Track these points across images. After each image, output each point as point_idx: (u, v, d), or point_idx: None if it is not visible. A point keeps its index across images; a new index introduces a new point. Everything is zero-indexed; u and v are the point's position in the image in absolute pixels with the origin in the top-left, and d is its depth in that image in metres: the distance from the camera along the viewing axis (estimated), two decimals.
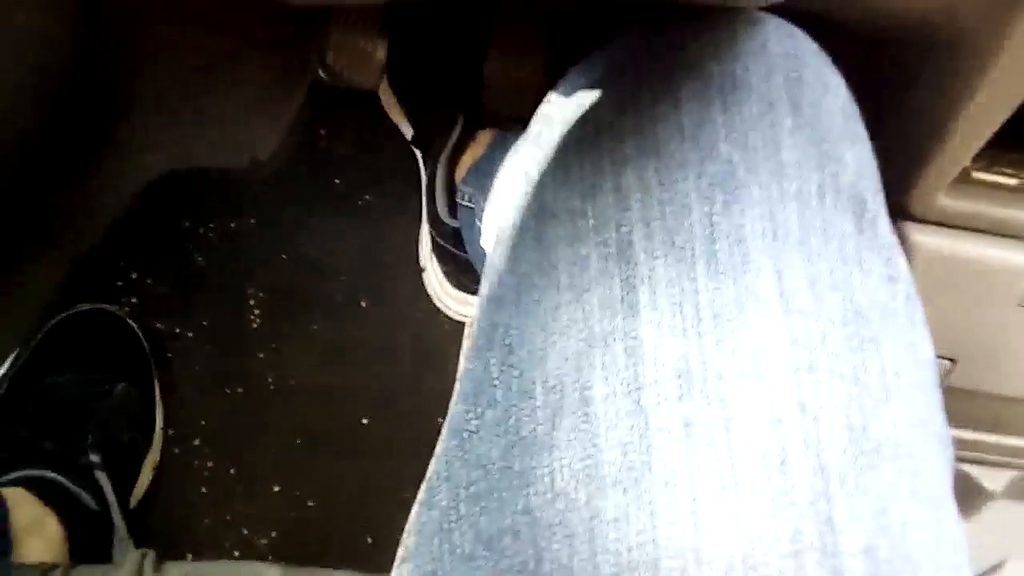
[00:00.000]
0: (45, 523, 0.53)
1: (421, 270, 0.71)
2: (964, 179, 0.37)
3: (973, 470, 0.48)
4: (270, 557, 0.65)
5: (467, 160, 0.63)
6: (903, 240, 0.39)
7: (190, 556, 0.64)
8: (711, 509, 0.21)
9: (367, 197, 0.73)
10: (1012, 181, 0.38)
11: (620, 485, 0.22)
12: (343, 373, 0.69)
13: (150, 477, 0.65)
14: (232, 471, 0.67)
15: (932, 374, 0.26)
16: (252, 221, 0.71)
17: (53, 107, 0.58)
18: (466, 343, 0.29)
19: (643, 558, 0.21)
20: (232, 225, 0.71)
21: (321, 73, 0.61)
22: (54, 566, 0.44)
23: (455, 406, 0.27)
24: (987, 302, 0.40)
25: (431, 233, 0.67)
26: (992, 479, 0.48)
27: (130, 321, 0.65)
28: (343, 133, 0.73)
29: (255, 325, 0.70)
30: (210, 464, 0.67)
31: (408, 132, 0.69)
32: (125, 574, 0.42)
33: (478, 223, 0.57)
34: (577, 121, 0.28)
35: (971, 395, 0.43)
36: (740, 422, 0.22)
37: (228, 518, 0.66)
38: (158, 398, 0.66)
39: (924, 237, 0.39)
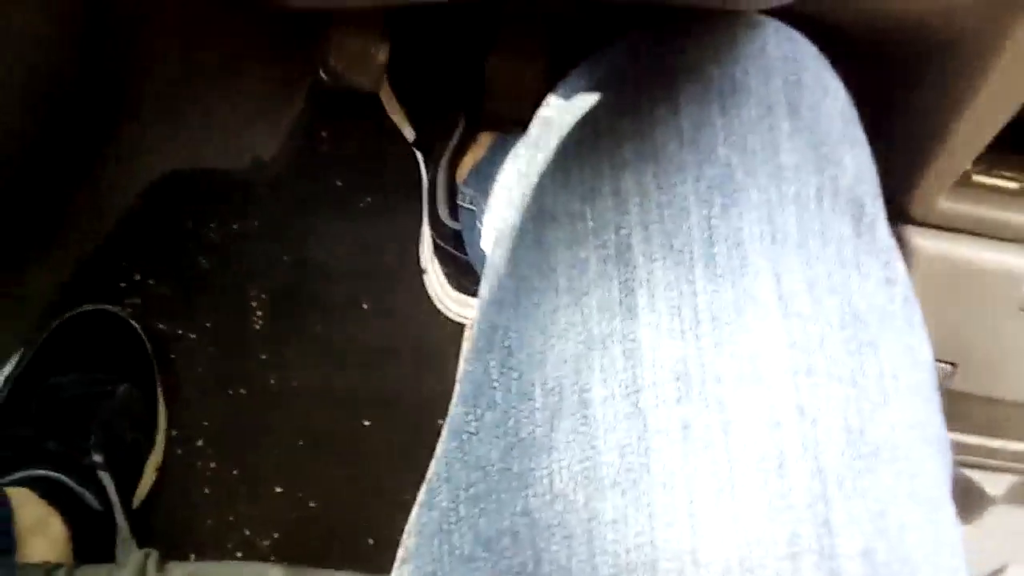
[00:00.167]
0: (49, 523, 0.53)
1: (422, 272, 0.71)
2: (964, 182, 0.37)
3: (974, 475, 0.48)
4: (272, 558, 0.65)
5: (468, 162, 0.64)
6: (903, 244, 0.39)
7: (193, 556, 0.64)
8: (709, 511, 0.21)
9: (368, 199, 0.73)
10: (1013, 185, 0.38)
11: (618, 487, 0.22)
12: (344, 374, 0.70)
13: (153, 478, 0.65)
14: (234, 472, 0.67)
15: (930, 377, 0.26)
16: (255, 223, 0.72)
17: (56, 109, 0.58)
18: (466, 345, 0.29)
19: (641, 560, 0.21)
20: (235, 227, 0.71)
21: (323, 75, 0.61)
22: (58, 566, 0.44)
23: (455, 408, 0.27)
24: (988, 306, 0.40)
25: (432, 235, 0.68)
26: (993, 484, 0.48)
27: (133, 322, 0.66)
28: (345, 135, 0.73)
29: (257, 327, 0.70)
30: (213, 465, 0.67)
31: (409, 134, 0.69)
32: (128, 574, 0.42)
33: (479, 225, 0.58)
34: (576, 124, 0.28)
35: (972, 399, 0.43)
36: (738, 425, 0.22)
37: (231, 519, 0.66)
38: (161, 399, 0.66)
39: (924, 241, 0.39)
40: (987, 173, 0.38)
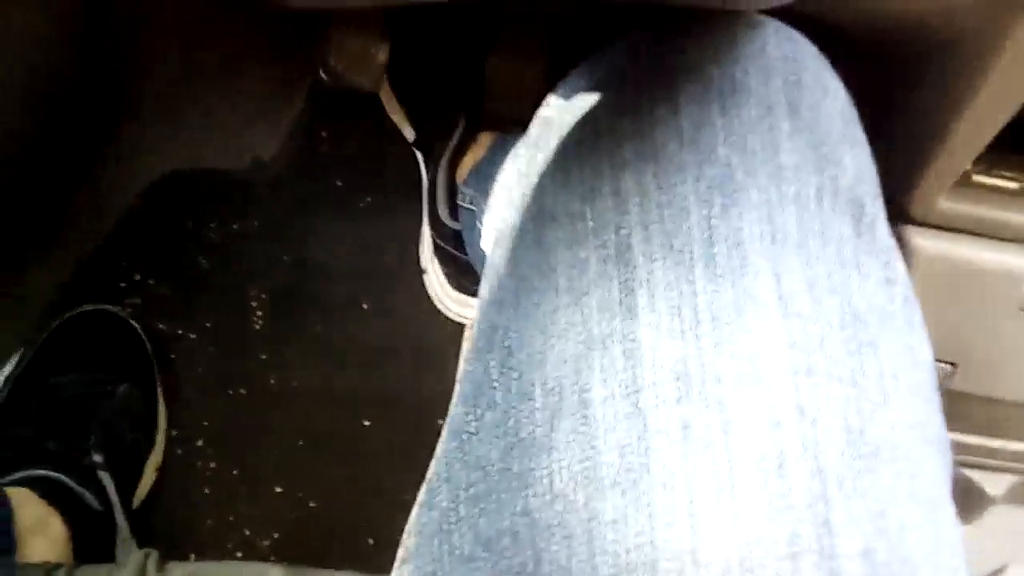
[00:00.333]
0: (49, 523, 0.53)
1: (422, 272, 0.71)
2: (965, 182, 0.37)
3: (974, 475, 0.48)
4: (272, 558, 0.66)
5: (468, 162, 0.64)
6: (904, 244, 0.39)
7: (193, 556, 0.64)
8: (709, 511, 0.21)
9: (368, 199, 0.73)
10: (1013, 185, 0.38)
11: (618, 487, 0.22)
12: (344, 375, 0.70)
13: (153, 478, 0.65)
14: (234, 472, 0.67)
15: (930, 377, 0.26)
16: (255, 223, 0.72)
17: (56, 109, 0.58)
18: (466, 345, 0.29)
19: (641, 560, 0.21)
20: (235, 227, 0.71)
21: (323, 75, 0.61)
22: (58, 566, 0.44)
23: (455, 408, 0.27)
24: (988, 306, 0.40)
25: (432, 235, 0.68)
26: (993, 484, 0.48)
27: (133, 322, 0.66)
28: (345, 135, 0.73)
29: (257, 327, 0.70)
30: (213, 465, 0.67)
31: (409, 134, 0.69)
32: (128, 574, 0.42)
33: (479, 225, 0.58)
34: (576, 124, 0.28)
35: (972, 399, 0.43)
36: (738, 425, 0.22)
37: (231, 519, 0.66)
38: (161, 399, 0.66)
39: (925, 241, 0.39)
40: (987, 173, 0.38)
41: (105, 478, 0.57)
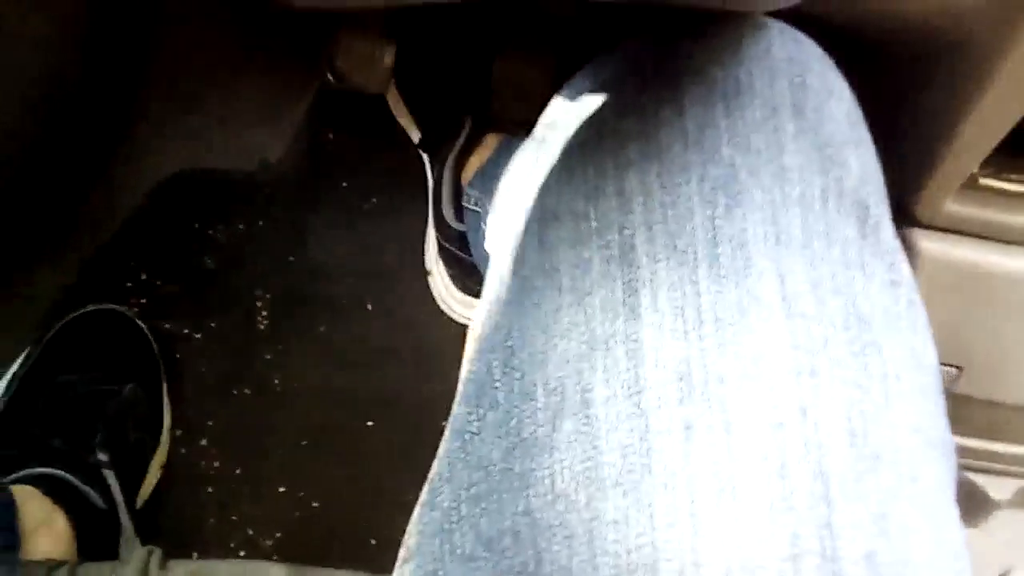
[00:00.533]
0: (53, 521, 0.53)
1: (427, 273, 0.71)
2: (971, 185, 0.37)
3: (979, 479, 0.48)
4: (275, 557, 0.66)
5: (474, 164, 0.64)
6: (909, 246, 0.39)
7: (196, 555, 0.64)
8: (710, 512, 0.21)
9: (374, 200, 0.73)
10: (1020, 188, 0.38)
11: (620, 487, 0.22)
12: (349, 375, 0.70)
13: (157, 477, 0.65)
14: (238, 471, 0.67)
15: (934, 380, 0.26)
16: (260, 223, 0.72)
17: (63, 111, 0.59)
18: (468, 345, 0.29)
19: (642, 560, 0.21)
20: (241, 227, 0.72)
21: (329, 77, 0.62)
22: (61, 563, 0.44)
23: (457, 407, 0.27)
24: (994, 309, 0.40)
25: (437, 236, 0.68)
26: (998, 488, 0.48)
27: (139, 322, 0.66)
28: (351, 137, 0.73)
29: (262, 327, 0.70)
30: (216, 464, 0.67)
31: (415, 136, 0.69)
32: (131, 571, 0.42)
33: (484, 226, 0.58)
34: (581, 124, 0.28)
35: (977, 403, 0.43)
36: (740, 426, 0.22)
37: (234, 518, 0.66)
38: (166, 398, 0.67)
39: (931, 243, 0.39)
40: (994, 176, 0.38)
41: (110, 476, 0.57)
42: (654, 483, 0.22)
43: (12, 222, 0.60)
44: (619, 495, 0.22)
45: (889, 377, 0.24)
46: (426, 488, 0.27)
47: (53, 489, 0.54)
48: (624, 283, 0.24)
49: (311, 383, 0.69)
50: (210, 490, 0.67)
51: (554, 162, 0.28)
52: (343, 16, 0.60)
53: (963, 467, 0.48)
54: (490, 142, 0.63)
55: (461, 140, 0.63)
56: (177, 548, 0.54)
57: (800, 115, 0.26)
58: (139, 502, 0.62)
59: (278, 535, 0.66)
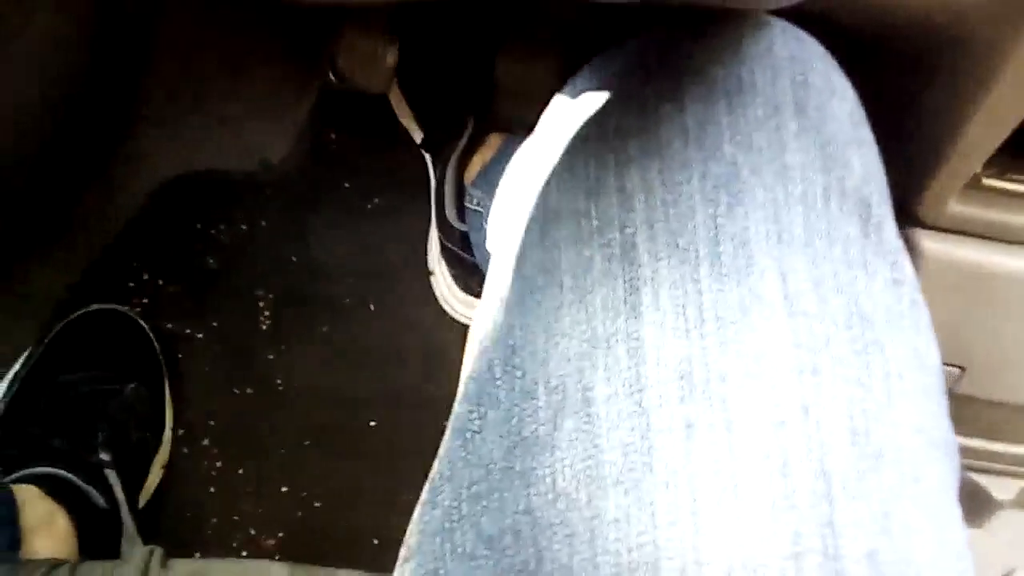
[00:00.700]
0: (54, 520, 0.53)
1: (429, 273, 0.71)
2: (975, 185, 0.37)
3: (982, 480, 0.48)
4: (277, 556, 0.66)
5: (476, 164, 0.64)
6: (913, 247, 0.39)
7: (198, 555, 0.64)
8: (712, 511, 0.21)
9: (376, 200, 0.73)
10: (1023, 188, 0.38)
11: (621, 486, 0.22)
12: (351, 375, 0.70)
13: (159, 476, 0.65)
14: (240, 471, 0.67)
15: (937, 379, 0.26)
16: (263, 223, 0.72)
17: (67, 110, 0.59)
18: (469, 344, 0.29)
19: (643, 559, 0.21)
20: (243, 227, 0.72)
21: (331, 76, 0.62)
22: (61, 562, 0.44)
23: (458, 406, 0.27)
24: (996, 310, 0.39)
25: (439, 237, 0.68)
26: (1001, 489, 0.48)
27: (141, 321, 0.66)
28: (353, 136, 0.73)
29: (264, 327, 0.70)
30: (218, 464, 0.67)
31: (418, 136, 0.69)
32: (132, 570, 0.42)
33: (486, 226, 0.58)
34: (582, 122, 0.28)
35: (980, 403, 0.43)
36: (742, 424, 0.22)
37: (236, 518, 0.66)
38: (168, 398, 0.67)
39: (934, 244, 0.38)
40: (998, 176, 0.37)
41: (112, 476, 0.57)
42: (655, 482, 0.21)
43: (14, 222, 0.60)
44: (620, 494, 0.22)
45: (891, 376, 0.24)
46: (427, 487, 0.27)
47: (54, 488, 0.54)
48: (625, 281, 0.24)
49: (313, 383, 0.69)
50: (212, 490, 0.67)
51: (555, 160, 0.28)
52: (346, 15, 0.60)
53: (966, 467, 0.48)
54: (493, 142, 0.63)
55: (464, 140, 0.63)
56: (179, 547, 0.54)
57: (802, 113, 0.26)
58: (141, 502, 0.62)
59: (280, 535, 0.66)
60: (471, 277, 0.67)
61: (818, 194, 0.25)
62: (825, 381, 0.22)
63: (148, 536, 0.59)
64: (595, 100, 0.28)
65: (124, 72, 0.63)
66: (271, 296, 0.71)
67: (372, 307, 0.72)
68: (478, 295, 0.68)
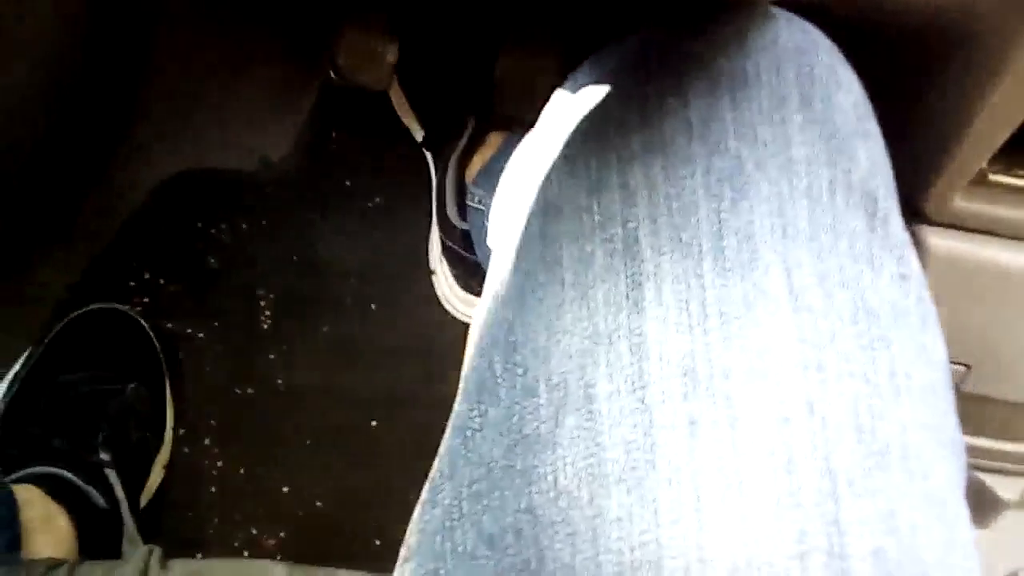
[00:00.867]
0: (55, 520, 0.53)
1: (431, 273, 0.71)
2: (980, 181, 0.37)
3: (988, 479, 0.48)
4: (278, 556, 0.65)
5: (477, 162, 0.63)
6: (918, 243, 0.38)
7: (199, 555, 0.64)
8: (716, 509, 0.21)
9: (377, 199, 0.73)
10: None
11: (623, 484, 0.22)
12: (352, 374, 0.69)
13: (160, 476, 0.65)
14: (241, 471, 0.67)
15: (944, 376, 0.25)
16: (263, 222, 0.72)
17: (68, 109, 0.59)
18: (470, 342, 0.29)
19: (646, 557, 0.21)
20: (244, 226, 0.72)
21: (332, 74, 0.61)
22: (61, 562, 0.44)
23: (459, 404, 0.27)
24: (1002, 307, 0.39)
25: (441, 236, 0.67)
26: (1007, 488, 0.48)
27: (142, 321, 0.66)
28: (354, 135, 0.73)
29: (265, 326, 0.70)
30: (220, 464, 0.67)
31: (419, 134, 0.69)
32: (131, 570, 0.42)
33: (487, 225, 0.57)
34: (584, 117, 0.27)
35: (985, 402, 0.43)
36: (746, 421, 0.21)
37: (237, 518, 0.66)
38: (169, 398, 0.66)
39: (939, 240, 0.38)
40: (1004, 172, 0.37)
41: (112, 476, 0.57)
42: (658, 479, 0.21)
43: (14, 222, 0.60)
44: (623, 492, 0.21)
45: (898, 373, 0.23)
46: (427, 486, 0.27)
47: (55, 488, 0.54)
48: (628, 277, 0.24)
49: (314, 382, 0.69)
50: (213, 490, 0.66)
51: (556, 155, 0.27)
52: (346, 13, 0.59)
53: (972, 466, 0.47)
54: (494, 140, 0.63)
55: (465, 138, 0.63)
56: (180, 547, 0.54)
57: (808, 106, 0.26)
58: (142, 502, 0.62)
59: (281, 535, 0.66)
60: (472, 276, 0.67)
61: (823, 187, 0.25)
62: (830, 377, 0.22)
63: (149, 536, 0.58)
64: (596, 95, 0.28)
65: (124, 72, 0.63)
66: (272, 296, 0.71)
67: (373, 307, 0.71)
68: (479, 294, 0.67)
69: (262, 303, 0.70)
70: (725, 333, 0.22)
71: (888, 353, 0.23)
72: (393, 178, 0.73)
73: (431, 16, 0.63)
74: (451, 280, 0.69)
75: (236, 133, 0.69)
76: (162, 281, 0.70)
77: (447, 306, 0.70)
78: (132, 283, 0.69)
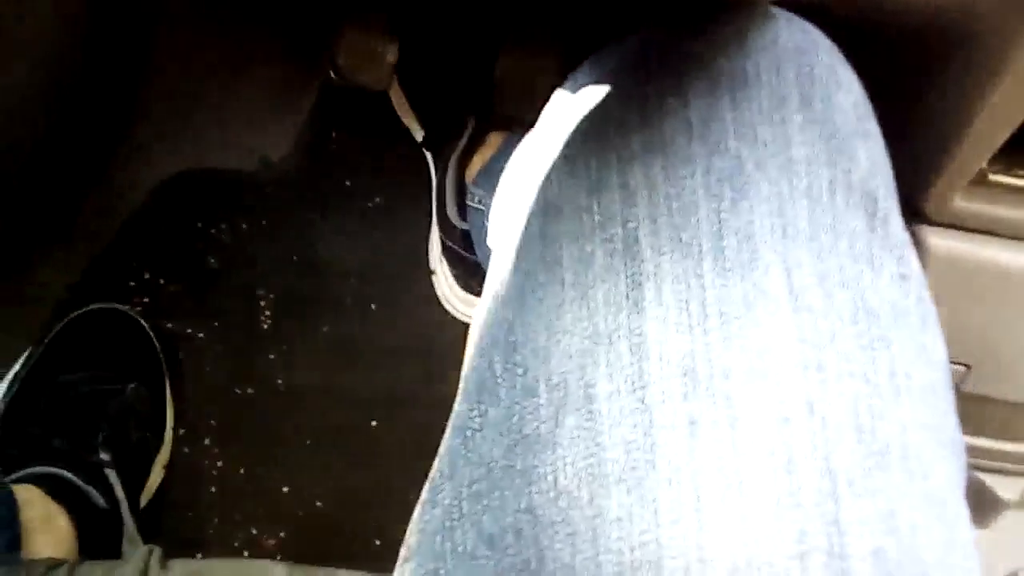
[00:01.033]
0: (55, 520, 0.53)
1: (431, 273, 0.71)
2: (980, 181, 0.37)
3: (988, 479, 0.48)
4: (278, 556, 0.65)
5: (477, 162, 0.63)
6: (918, 243, 0.38)
7: (199, 555, 0.64)
8: (716, 509, 0.21)
9: (377, 199, 0.73)
10: None
11: (623, 484, 0.22)
12: (352, 375, 0.69)
13: (160, 476, 0.65)
14: (241, 471, 0.67)
15: (944, 376, 0.25)
16: (263, 222, 0.72)
17: (68, 109, 0.59)
18: (470, 342, 0.29)
19: (646, 557, 0.21)
20: (244, 226, 0.72)
21: (332, 74, 0.61)
22: (61, 562, 0.44)
23: (459, 404, 0.27)
24: (1002, 307, 0.39)
25: (441, 236, 0.67)
26: (1007, 488, 0.48)
27: (142, 321, 0.66)
28: (354, 135, 0.73)
29: (265, 326, 0.70)
30: (220, 464, 0.67)
31: (419, 134, 0.69)
32: (131, 570, 0.42)
33: (487, 225, 0.57)
34: (584, 117, 0.27)
35: (985, 402, 0.43)
36: (746, 421, 0.21)
37: (237, 518, 0.66)
38: (169, 398, 0.66)
39: (939, 240, 0.38)
40: (1004, 172, 0.37)
41: (112, 476, 0.57)
42: (658, 479, 0.21)
43: (14, 222, 0.60)
44: (623, 492, 0.21)
45: (898, 373, 0.23)
46: (427, 486, 0.27)
47: (55, 488, 0.54)
48: (628, 277, 0.24)
49: (314, 383, 0.69)
50: (213, 490, 0.66)
51: (556, 155, 0.27)
52: (346, 13, 0.59)
53: (972, 466, 0.47)
54: (494, 140, 0.63)
55: (465, 138, 0.63)
56: (180, 547, 0.54)
57: (808, 106, 0.26)
58: (142, 502, 0.62)
59: (281, 535, 0.66)
60: (473, 276, 0.67)
61: (823, 187, 0.25)
62: (830, 377, 0.22)
63: (149, 536, 0.58)
64: (596, 95, 0.28)
65: (124, 72, 0.63)
66: (272, 296, 0.71)
67: (373, 307, 0.71)
68: (479, 294, 0.67)
69: (262, 303, 0.70)
70: (725, 333, 0.22)
71: (888, 353, 0.23)
72: (393, 178, 0.73)
73: (431, 16, 0.63)
74: (451, 280, 0.69)
75: (236, 133, 0.69)
76: (162, 281, 0.70)
77: (447, 306, 0.70)
78: (132, 283, 0.69)
